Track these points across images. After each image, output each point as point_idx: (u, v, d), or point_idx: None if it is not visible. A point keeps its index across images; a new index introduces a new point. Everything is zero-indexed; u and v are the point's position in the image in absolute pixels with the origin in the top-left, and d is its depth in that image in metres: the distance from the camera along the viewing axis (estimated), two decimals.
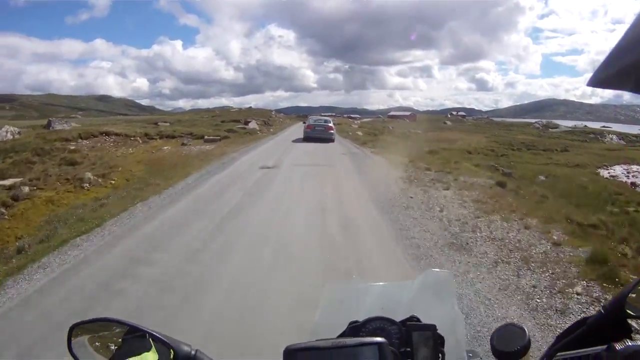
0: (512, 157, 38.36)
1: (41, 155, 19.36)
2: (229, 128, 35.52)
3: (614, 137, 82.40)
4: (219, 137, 28.24)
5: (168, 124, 38.13)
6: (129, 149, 22.89)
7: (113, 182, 13.92)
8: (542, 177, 23.37)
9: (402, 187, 12.83)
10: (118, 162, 17.51)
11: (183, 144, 25.07)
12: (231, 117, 48.80)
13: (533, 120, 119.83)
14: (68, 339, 1.03)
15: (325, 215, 9.45)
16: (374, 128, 50.80)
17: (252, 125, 40.32)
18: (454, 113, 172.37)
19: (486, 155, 36.45)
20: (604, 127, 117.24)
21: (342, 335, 1.26)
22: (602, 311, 1.03)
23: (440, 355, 1.23)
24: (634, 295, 1.01)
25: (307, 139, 28.51)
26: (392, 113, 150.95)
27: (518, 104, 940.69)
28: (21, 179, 14.77)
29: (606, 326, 1.01)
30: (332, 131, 29.44)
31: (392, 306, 1.38)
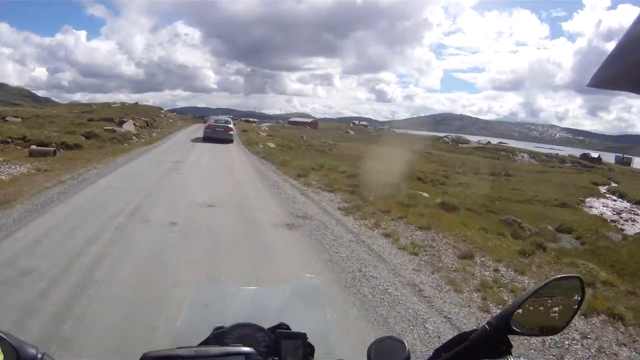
0: (472, 187, 31.13)
1: None
2: (92, 130, 24.04)
3: (525, 155, 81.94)
4: (53, 149, 17.33)
5: (20, 119, 29.39)
6: None
7: None
8: (566, 237, 14.79)
9: None
10: None
11: None
12: (109, 113, 37.62)
13: (442, 135, 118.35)
14: None
15: None
16: (286, 138, 41.21)
17: (129, 126, 29.41)
18: (356, 122, 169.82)
19: (443, 184, 27.92)
20: (500, 142, 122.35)
21: (205, 342, 1.19)
22: (487, 327, 1.03)
23: None
24: (519, 311, 1.04)
25: (207, 139, 27.84)
26: (293, 119, 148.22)
27: (415, 116, 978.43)
28: None
29: (489, 342, 1.01)
30: (231, 132, 29.29)
31: (261, 312, 1.34)
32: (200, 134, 29.52)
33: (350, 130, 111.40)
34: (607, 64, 0.63)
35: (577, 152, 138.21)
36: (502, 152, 79.68)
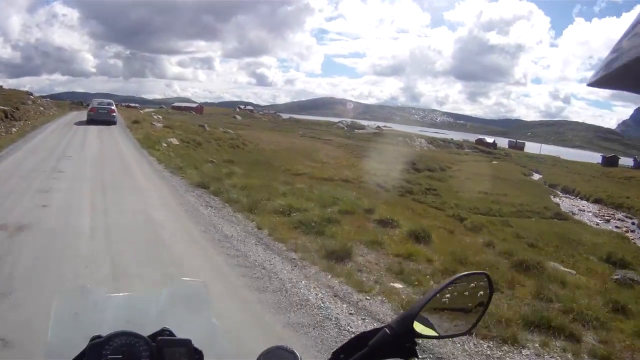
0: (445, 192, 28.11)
1: None
2: None
3: (423, 141, 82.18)
4: None
5: None
6: None
7: None
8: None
9: None
10: None
11: None
12: None
13: (336, 120, 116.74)
14: None
15: None
16: (187, 130, 34.04)
17: None
18: (242, 107, 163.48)
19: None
20: (385, 126, 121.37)
21: (81, 355, 1.08)
22: (388, 330, 0.97)
23: None
24: (423, 312, 1.00)
25: (91, 121, 28.27)
26: (176, 104, 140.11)
27: (295, 100, 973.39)
28: None
29: (392, 346, 0.97)
30: (114, 114, 29.82)
31: (140, 319, 1.23)
32: (80, 129, 25.50)
33: (236, 115, 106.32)
34: (607, 63, 0.62)
35: (460, 135, 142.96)
36: (400, 138, 78.45)
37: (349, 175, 29.90)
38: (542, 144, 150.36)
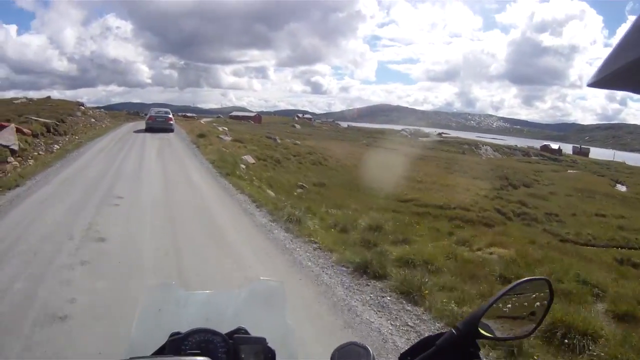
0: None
1: None
2: None
3: (489, 148, 78.80)
4: None
5: None
6: None
7: None
8: None
9: None
10: None
11: None
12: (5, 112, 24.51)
13: (399, 128, 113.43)
14: None
15: None
16: (257, 143, 28.58)
17: (6, 137, 16.47)
18: (300, 115, 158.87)
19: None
20: (443, 133, 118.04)
21: (161, 350, 1.13)
22: (454, 331, 1.00)
23: None
24: (487, 315, 1.01)
25: (149, 129, 27.98)
26: (234, 114, 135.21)
27: (351, 107, 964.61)
28: None
29: (457, 346, 0.98)
30: (171, 122, 29.51)
31: (218, 317, 1.29)
32: (135, 147, 20.70)
33: (295, 124, 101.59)
34: (607, 63, 0.62)
35: (517, 141, 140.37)
36: (465, 146, 76.22)
37: (464, 200, 23.90)
38: (602, 149, 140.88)
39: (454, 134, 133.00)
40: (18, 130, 18.28)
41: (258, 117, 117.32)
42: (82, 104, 35.42)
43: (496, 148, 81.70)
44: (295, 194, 17.50)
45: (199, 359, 0.96)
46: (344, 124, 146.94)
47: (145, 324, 1.26)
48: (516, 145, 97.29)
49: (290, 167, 23.58)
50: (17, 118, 22.21)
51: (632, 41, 0.58)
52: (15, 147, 16.19)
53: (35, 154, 17.07)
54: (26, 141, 17.85)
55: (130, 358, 1.00)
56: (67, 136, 22.24)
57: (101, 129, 29.53)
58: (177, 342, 1.11)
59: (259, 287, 1.39)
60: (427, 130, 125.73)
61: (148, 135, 24.64)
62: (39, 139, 19.40)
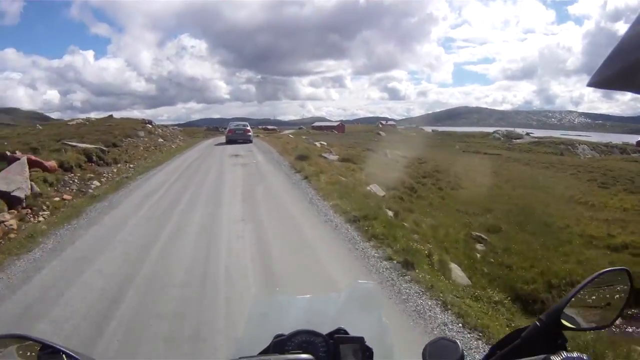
0: None
1: None
2: None
3: (586, 147, 70.94)
4: None
5: None
6: None
7: None
8: None
9: None
10: None
11: None
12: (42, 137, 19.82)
13: (491, 130, 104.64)
14: None
15: None
16: (372, 162, 20.92)
17: (17, 177, 10.85)
18: (384, 122, 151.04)
19: None
20: (528, 133, 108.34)
21: (266, 350, 1.17)
22: (538, 323, 1.00)
23: None
24: (569, 306, 1.01)
25: (229, 141, 28.86)
26: (316, 124, 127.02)
27: (430, 112, 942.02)
28: None
29: (542, 338, 0.99)
30: (249, 133, 30.19)
31: (318, 319, 1.30)
32: (207, 182, 14.26)
33: (380, 132, 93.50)
34: (607, 63, 0.61)
35: (602, 137, 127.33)
36: (561, 146, 68.99)
37: None
38: None
39: (537, 133, 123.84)
40: (35, 164, 12.05)
41: (341, 127, 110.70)
42: (149, 122, 29.91)
43: (593, 146, 72.79)
44: (479, 255, 10.12)
45: (304, 356, 0.99)
46: (428, 129, 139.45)
47: (252, 327, 1.32)
48: (610, 142, 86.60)
49: (433, 199, 16.10)
50: (51, 144, 16.24)
51: (632, 42, 0.57)
52: (22, 193, 10.08)
53: (58, 199, 10.81)
54: (46, 180, 11.66)
55: (240, 358, 1.04)
56: (119, 165, 15.92)
57: (168, 151, 22.90)
58: (280, 343, 1.14)
59: (356, 289, 1.40)
60: (519, 131, 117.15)
61: (227, 159, 18.24)
62: (74, 172, 13.32)
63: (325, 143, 27.40)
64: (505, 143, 73.86)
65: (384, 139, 68.80)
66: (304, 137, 41.45)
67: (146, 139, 22.79)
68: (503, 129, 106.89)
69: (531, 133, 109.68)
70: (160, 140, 25.61)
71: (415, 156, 31.08)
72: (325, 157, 18.44)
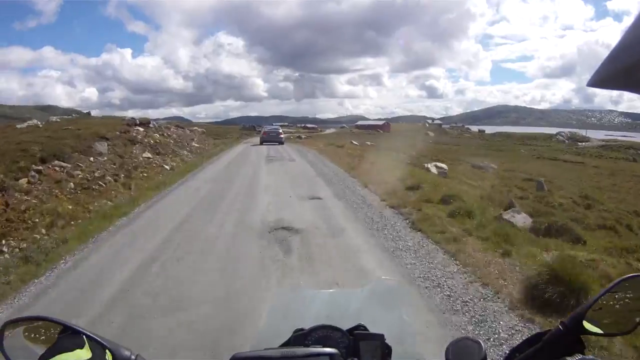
0: None
1: None
2: None
3: None
4: None
5: None
6: None
7: None
8: None
9: None
10: None
11: None
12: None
13: (554, 131, 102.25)
14: None
15: None
16: (480, 183, 13.22)
17: None
18: (430, 121, 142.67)
19: None
20: (569, 132, 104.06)
21: (286, 343, 1.17)
22: (561, 327, 1.00)
23: None
24: (592, 311, 1.00)
25: (263, 142, 32.35)
26: (360, 123, 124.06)
27: (468, 110, 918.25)
28: None
29: (563, 342, 0.99)
30: (281, 136, 33.67)
31: (339, 314, 1.31)
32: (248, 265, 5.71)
33: (428, 132, 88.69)
34: (607, 63, 0.61)
35: None
36: (631, 150, 67.62)
37: None
38: None
39: (590, 134, 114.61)
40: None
41: (387, 126, 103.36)
42: (148, 122, 20.70)
43: None
44: None
45: (326, 349, 0.98)
46: (474, 128, 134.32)
47: (273, 321, 1.32)
48: None
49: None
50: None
51: (632, 41, 0.57)
52: None
53: None
54: None
55: (265, 349, 1.03)
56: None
57: (181, 168, 16.37)
58: (300, 337, 1.15)
59: (379, 286, 1.38)
60: (512, 129, 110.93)
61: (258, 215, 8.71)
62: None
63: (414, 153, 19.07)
64: (571, 147, 71.08)
65: (437, 141, 61.16)
66: (355, 142, 38.23)
67: (169, 143, 15.20)
68: (566, 130, 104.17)
69: (574, 132, 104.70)
70: (145, 156, 16.32)
71: (510, 168, 23.96)
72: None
